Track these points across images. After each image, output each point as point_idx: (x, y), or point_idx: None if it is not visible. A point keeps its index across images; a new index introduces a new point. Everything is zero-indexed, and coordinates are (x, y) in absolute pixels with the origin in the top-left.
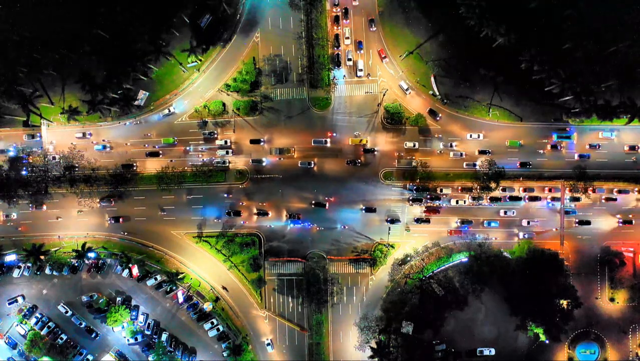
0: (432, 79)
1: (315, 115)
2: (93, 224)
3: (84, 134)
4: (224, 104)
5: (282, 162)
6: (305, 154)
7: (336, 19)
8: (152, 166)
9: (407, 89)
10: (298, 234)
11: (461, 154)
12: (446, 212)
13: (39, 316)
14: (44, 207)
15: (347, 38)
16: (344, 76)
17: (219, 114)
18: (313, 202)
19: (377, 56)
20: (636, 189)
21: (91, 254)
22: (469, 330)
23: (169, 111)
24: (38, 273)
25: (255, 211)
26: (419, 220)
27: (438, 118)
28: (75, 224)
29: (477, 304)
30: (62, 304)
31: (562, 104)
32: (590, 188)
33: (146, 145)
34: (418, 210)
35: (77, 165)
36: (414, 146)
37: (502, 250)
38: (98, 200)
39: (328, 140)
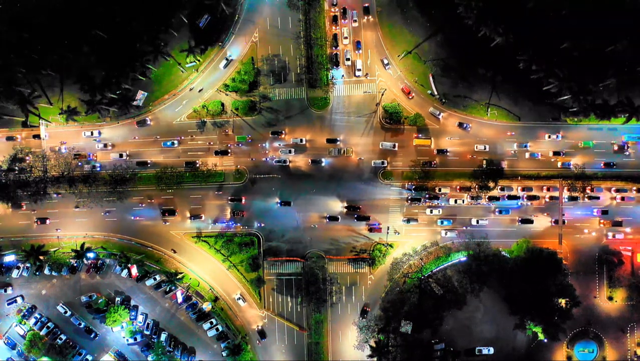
0: (431, 78)
1: (314, 115)
2: (92, 224)
3: (143, 121)
4: (222, 104)
5: (294, 163)
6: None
7: (334, 19)
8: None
9: (439, 114)
10: (297, 234)
11: (537, 155)
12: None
13: (38, 316)
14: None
15: (346, 38)
16: (343, 75)
17: (218, 114)
18: (229, 198)
19: (375, 55)
20: (634, 188)
21: (90, 255)
22: (468, 329)
23: (227, 60)
24: (37, 273)
25: (188, 215)
26: (359, 217)
27: (468, 129)
28: (74, 224)
29: (475, 303)
30: (61, 304)
31: (560, 104)
32: (589, 187)
33: (229, 146)
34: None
35: (149, 161)
36: (485, 148)
37: (500, 249)
38: (9, 206)
39: (396, 144)
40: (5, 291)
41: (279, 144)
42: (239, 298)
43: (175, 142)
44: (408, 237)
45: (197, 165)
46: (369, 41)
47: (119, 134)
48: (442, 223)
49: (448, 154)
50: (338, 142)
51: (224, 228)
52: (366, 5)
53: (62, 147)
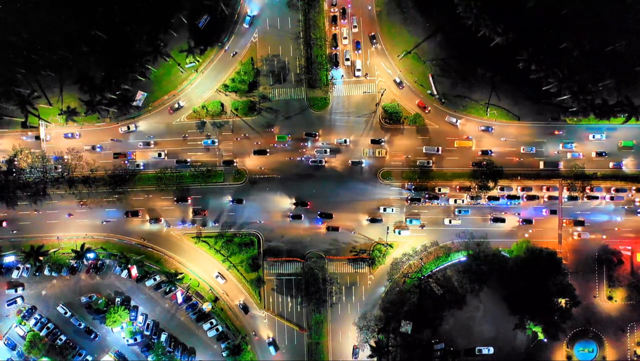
0: (430, 78)
1: (313, 115)
2: (91, 224)
3: (176, 105)
4: (222, 105)
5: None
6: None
7: (334, 19)
8: (254, 163)
9: (456, 121)
10: (296, 234)
11: (579, 155)
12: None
13: (38, 317)
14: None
15: (345, 38)
16: (342, 75)
17: (217, 115)
18: (175, 198)
19: (375, 56)
20: (633, 188)
21: (90, 255)
22: (468, 328)
23: (250, 17)
24: (37, 274)
25: (147, 218)
26: (322, 214)
27: (491, 131)
28: (74, 225)
29: (475, 303)
30: (61, 305)
31: (559, 103)
32: (588, 187)
33: (275, 145)
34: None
35: (188, 160)
36: (532, 150)
37: (500, 249)
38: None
39: (440, 148)
40: (16, 291)
41: (322, 143)
42: (217, 276)
43: (216, 140)
44: (408, 237)
45: (235, 164)
46: (380, 68)
47: (157, 130)
48: (410, 222)
49: (492, 154)
50: (382, 143)
51: (181, 229)
52: (372, 34)
53: (97, 147)
